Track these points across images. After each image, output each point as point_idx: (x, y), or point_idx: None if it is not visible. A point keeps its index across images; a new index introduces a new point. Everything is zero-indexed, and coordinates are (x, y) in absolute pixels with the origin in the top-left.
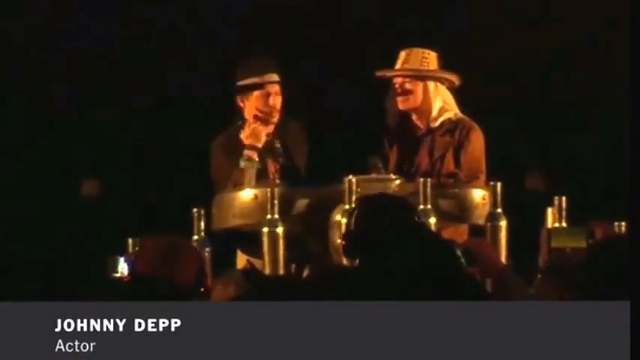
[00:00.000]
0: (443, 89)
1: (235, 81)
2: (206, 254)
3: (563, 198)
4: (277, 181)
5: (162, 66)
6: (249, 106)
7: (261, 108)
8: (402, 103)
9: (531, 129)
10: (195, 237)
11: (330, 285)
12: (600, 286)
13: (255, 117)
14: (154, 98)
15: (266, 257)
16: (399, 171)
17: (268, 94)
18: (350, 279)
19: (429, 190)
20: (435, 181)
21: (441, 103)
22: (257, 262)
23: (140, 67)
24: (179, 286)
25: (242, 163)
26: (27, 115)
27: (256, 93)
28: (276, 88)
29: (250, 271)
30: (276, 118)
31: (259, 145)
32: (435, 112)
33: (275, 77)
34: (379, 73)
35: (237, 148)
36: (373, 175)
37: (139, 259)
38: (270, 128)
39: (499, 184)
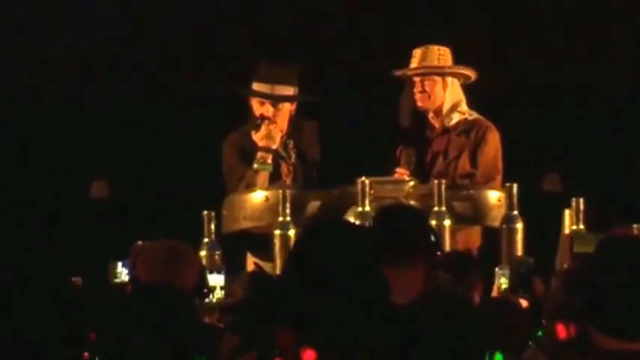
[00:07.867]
0: (457, 85)
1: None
2: (216, 257)
3: (581, 200)
4: (289, 181)
5: (173, 65)
6: (255, 106)
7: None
8: (421, 101)
9: (549, 129)
10: (206, 240)
11: None
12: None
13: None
14: (164, 98)
15: (277, 260)
16: (414, 171)
17: (262, 103)
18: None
19: (443, 191)
20: (449, 182)
21: (455, 99)
22: (267, 265)
23: (149, 67)
24: (180, 290)
25: (255, 166)
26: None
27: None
28: (266, 102)
29: (258, 274)
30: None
31: (274, 147)
32: (448, 109)
33: (278, 90)
34: (398, 73)
35: (250, 147)
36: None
37: (138, 264)
38: (284, 130)
39: (515, 186)
